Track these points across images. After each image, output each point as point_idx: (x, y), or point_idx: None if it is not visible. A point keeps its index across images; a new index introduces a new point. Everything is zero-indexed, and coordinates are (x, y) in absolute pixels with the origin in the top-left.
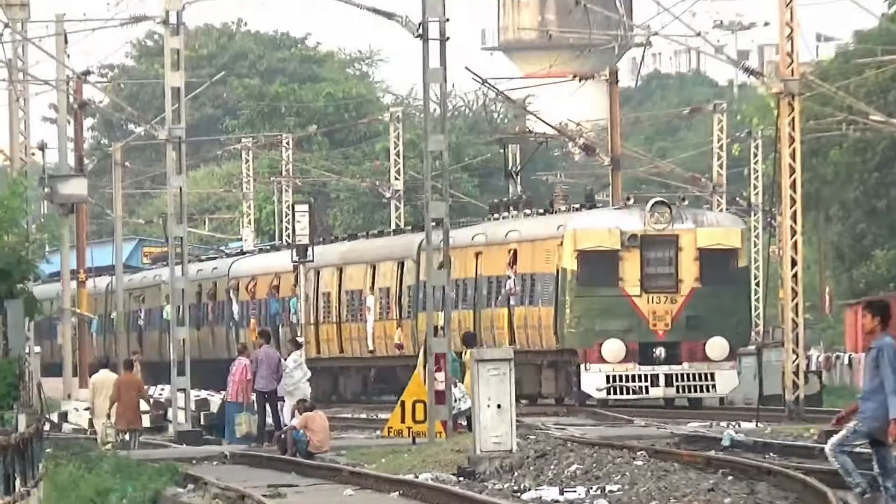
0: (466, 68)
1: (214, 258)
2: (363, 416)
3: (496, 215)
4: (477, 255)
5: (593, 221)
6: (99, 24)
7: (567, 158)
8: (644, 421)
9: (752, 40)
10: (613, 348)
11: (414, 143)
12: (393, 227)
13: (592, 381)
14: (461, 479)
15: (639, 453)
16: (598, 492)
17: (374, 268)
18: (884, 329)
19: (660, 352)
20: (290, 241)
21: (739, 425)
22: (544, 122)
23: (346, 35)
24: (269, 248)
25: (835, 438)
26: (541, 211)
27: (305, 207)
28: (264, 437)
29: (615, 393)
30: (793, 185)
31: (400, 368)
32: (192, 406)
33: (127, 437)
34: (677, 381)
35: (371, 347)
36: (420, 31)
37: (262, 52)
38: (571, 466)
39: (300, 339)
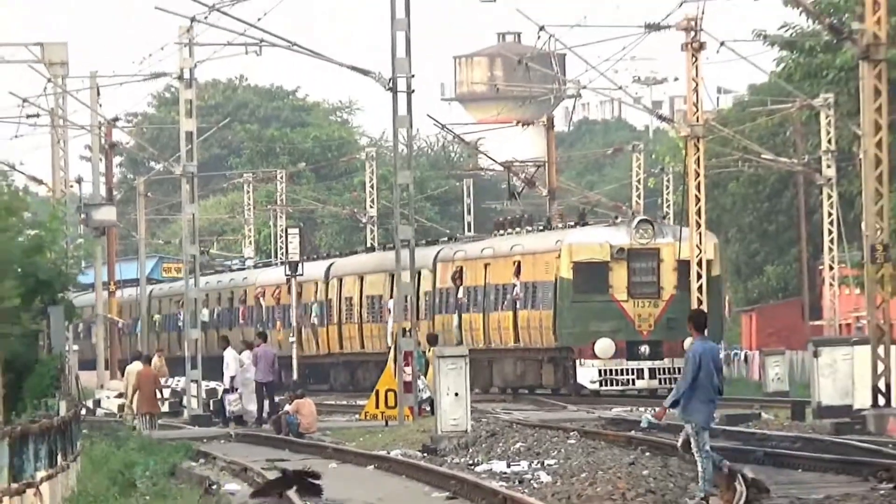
0: (428, 115)
1: (243, 269)
2: (344, 402)
3: (501, 231)
4: (486, 265)
5: (586, 237)
6: (126, 79)
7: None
8: (576, 407)
9: (664, 92)
10: (604, 346)
11: (385, 178)
12: (370, 244)
13: (587, 374)
14: (425, 454)
15: (572, 433)
16: (539, 465)
17: (394, 276)
18: (699, 334)
19: (644, 349)
20: (283, 258)
21: (655, 410)
22: (493, 160)
23: (330, 87)
24: (262, 264)
25: (693, 445)
26: (540, 227)
27: (296, 231)
28: (263, 420)
29: (606, 385)
30: (698, 212)
31: None
32: (204, 394)
33: (147, 419)
34: (659, 374)
35: (390, 343)
36: (390, 85)
37: (260, 102)
38: (516, 444)
39: (251, 341)
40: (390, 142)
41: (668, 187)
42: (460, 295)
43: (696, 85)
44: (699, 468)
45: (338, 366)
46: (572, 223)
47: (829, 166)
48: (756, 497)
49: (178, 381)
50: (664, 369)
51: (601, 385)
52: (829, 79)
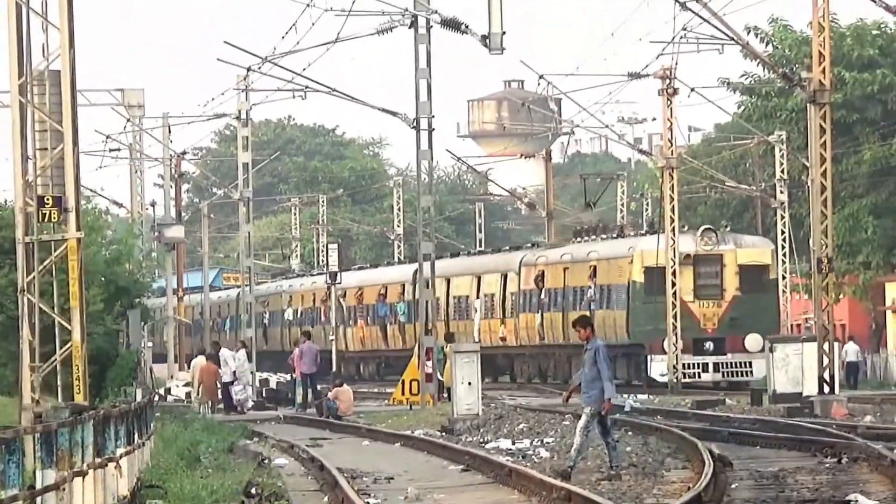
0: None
1: (323, 273)
2: (375, 390)
3: (579, 239)
4: (565, 269)
5: (656, 244)
6: (192, 119)
7: (516, 212)
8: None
9: (644, 130)
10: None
11: (410, 202)
12: (396, 259)
13: (657, 368)
14: (443, 434)
15: (567, 416)
16: (539, 443)
17: (480, 278)
18: (593, 334)
19: (709, 345)
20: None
21: (636, 396)
22: (500, 186)
23: (364, 126)
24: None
25: (581, 422)
26: (613, 236)
27: (335, 246)
28: (307, 405)
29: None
30: (673, 231)
31: (500, 356)
32: (258, 383)
33: (209, 405)
34: (723, 367)
35: (477, 339)
36: (415, 124)
37: (305, 138)
38: (520, 425)
39: (244, 341)
40: (414, 172)
41: (647, 210)
42: (542, 296)
43: (671, 124)
44: (575, 443)
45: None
46: (643, 232)
47: (782, 192)
48: (721, 470)
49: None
50: (727, 363)
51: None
52: (781, 119)
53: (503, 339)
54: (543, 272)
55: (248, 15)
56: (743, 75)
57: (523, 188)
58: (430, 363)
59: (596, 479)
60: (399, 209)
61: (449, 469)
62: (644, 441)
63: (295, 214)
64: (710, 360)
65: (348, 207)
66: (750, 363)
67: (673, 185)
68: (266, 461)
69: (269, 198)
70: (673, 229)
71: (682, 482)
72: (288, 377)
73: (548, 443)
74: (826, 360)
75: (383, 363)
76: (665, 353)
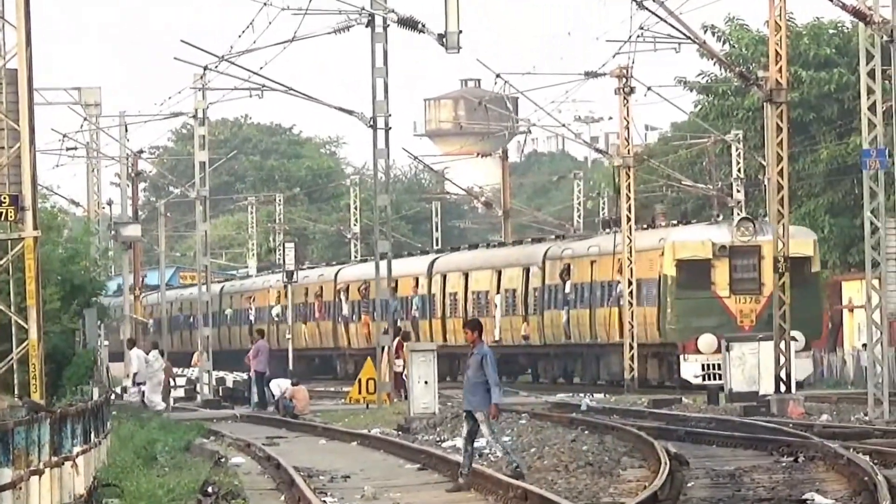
0: (403, 148)
1: (314, 267)
2: (332, 388)
3: (607, 230)
4: (592, 263)
5: (689, 235)
6: (149, 118)
7: (473, 211)
8: (526, 392)
9: (600, 129)
10: (707, 341)
11: (367, 201)
12: (353, 257)
13: (690, 369)
14: (400, 433)
15: (523, 415)
16: (495, 441)
17: (500, 273)
18: (481, 339)
19: None
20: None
21: (593, 395)
22: (457, 185)
23: (320, 125)
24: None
25: (485, 431)
26: (644, 227)
27: (291, 245)
28: (265, 404)
29: (709, 379)
30: (629, 230)
31: (522, 356)
32: (214, 382)
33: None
34: None
35: (497, 337)
36: (371, 123)
37: (261, 137)
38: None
39: (157, 341)
40: (371, 170)
41: (604, 208)
42: (567, 291)
43: (627, 123)
44: (500, 450)
45: (439, 358)
46: (675, 222)
47: (738, 191)
48: (678, 469)
49: (192, 370)
50: None
51: (704, 379)
52: (738, 118)
53: (526, 337)
54: (569, 265)
55: (205, 14)
56: (700, 74)
57: (480, 187)
58: (400, 362)
59: (447, 490)
60: (356, 208)
61: (405, 468)
62: (600, 440)
63: (251, 213)
64: None
65: (305, 206)
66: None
67: (629, 184)
68: (223, 460)
69: (226, 196)
70: (629, 229)
71: (638, 481)
72: (244, 376)
73: (504, 441)
74: (782, 360)
75: None
76: (700, 352)
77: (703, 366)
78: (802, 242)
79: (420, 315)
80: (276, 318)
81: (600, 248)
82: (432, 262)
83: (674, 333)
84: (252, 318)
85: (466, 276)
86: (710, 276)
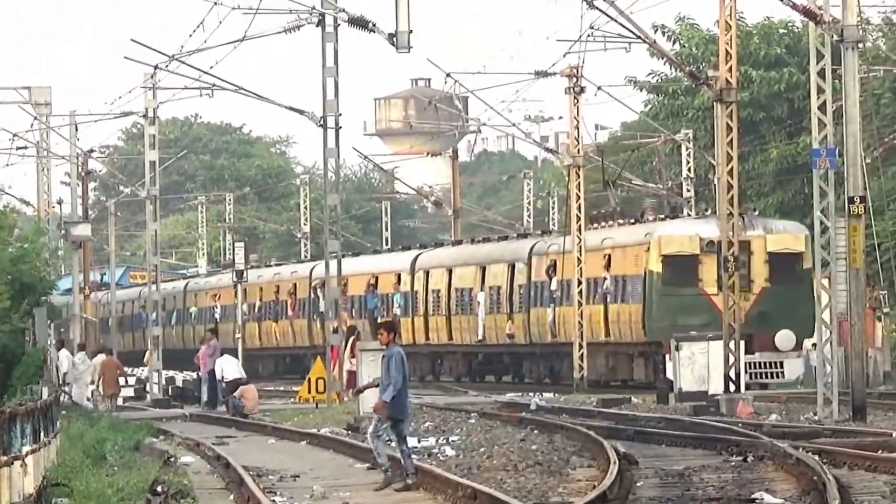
0: (353, 148)
1: (281, 264)
2: (282, 388)
3: (595, 225)
4: (578, 259)
5: (676, 229)
6: (99, 117)
7: (422, 210)
8: (476, 392)
9: (550, 129)
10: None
11: (317, 200)
12: (304, 256)
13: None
14: (349, 432)
15: (472, 414)
16: (444, 441)
17: (484, 269)
18: (394, 341)
19: None
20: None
21: (542, 395)
22: (407, 185)
23: (270, 124)
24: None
25: (370, 427)
26: (632, 221)
27: (241, 244)
28: (216, 403)
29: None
30: (579, 229)
31: (507, 354)
32: (164, 381)
33: (110, 401)
34: (750, 368)
35: (481, 336)
36: (321, 122)
37: (211, 136)
38: (426, 423)
39: (81, 343)
40: (321, 170)
41: (553, 208)
42: (553, 288)
43: (578, 122)
44: (374, 449)
45: (421, 356)
46: (662, 216)
47: (688, 190)
48: (627, 468)
49: (142, 370)
50: (756, 363)
51: None
52: (688, 117)
53: (511, 336)
54: (555, 262)
55: (156, 13)
56: (650, 74)
57: (430, 186)
58: (354, 360)
59: (375, 489)
60: (306, 207)
61: (354, 467)
62: (549, 439)
63: (201, 212)
64: None
65: (255, 205)
66: (781, 363)
67: (579, 184)
68: (172, 459)
69: (176, 196)
70: (579, 228)
71: (587, 480)
72: (194, 375)
73: (454, 441)
74: (732, 359)
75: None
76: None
77: None
78: (793, 238)
79: (402, 313)
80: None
81: (586, 244)
82: (415, 259)
83: (659, 332)
84: (218, 316)
85: (450, 272)
86: (697, 272)
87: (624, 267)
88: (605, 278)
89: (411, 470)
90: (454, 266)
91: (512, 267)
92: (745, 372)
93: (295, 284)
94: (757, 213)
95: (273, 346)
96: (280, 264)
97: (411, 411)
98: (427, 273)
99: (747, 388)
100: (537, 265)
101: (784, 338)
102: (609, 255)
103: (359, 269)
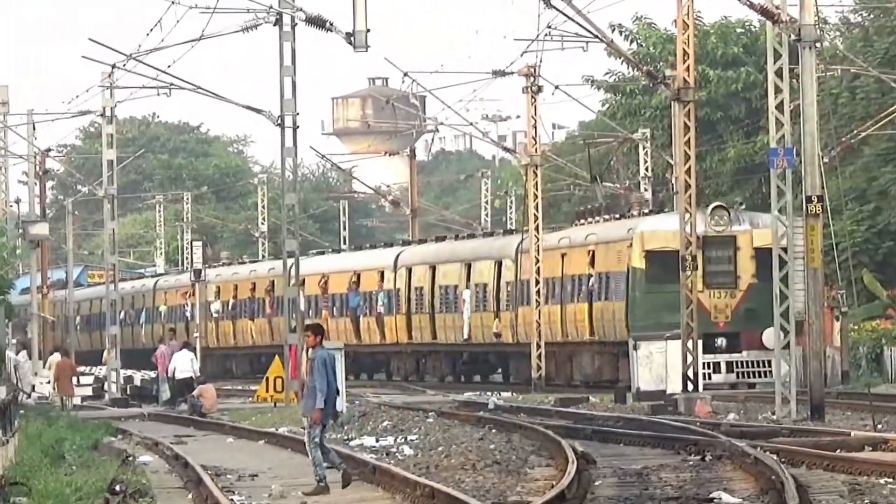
0: (311, 147)
1: (257, 261)
2: (239, 387)
3: (582, 221)
4: (563, 255)
5: (659, 224)
6: (57, 116)
7: (380, 210)
8: (434, 391)
9: (508, 128)
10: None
11: (274, 199)
12: (262, 256)
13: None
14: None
15: (430, 413)
16: (403, 440)
17: (470, 266)
18: (321, 343)
19: (721, 341)
20: (189, 266)
21: (500, 394)
22: (364, 184)
23: (228, 123)
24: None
25: (306, 436)
26: (617, 216)
27: (199, 244)
28: (175, 402)
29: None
30: (537, 229)
31: (493, 354)
32: (122, 380)
33: (65, 399)
34: (737, 367)
35: (466, 335)
36: (279, 121)
37: (169, 135)
38: (384, 423)
39: (25, 342)
40: (279, 169)
41: (511, 207)
42: (540, 286)
43: (535, 122)
44: (312, 459)
45: (404, 355)
46: (646, 211)
47: (646, 190)
48: (585, 467)
49: (100, 369)
50: (742, 363)
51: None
52: (646, 116)
53: (497, 335)
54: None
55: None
56: (607, 73)
57: (387, 186)
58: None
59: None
60: (263, 206)
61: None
62: (507, 438)
63: (159, 212)
64: (723, 358)
65: (213, 205)
66: (769, 362)
67: (537, 183)
68: (131, 458)
69: (134, 195)
70: (537, 227)
71: (545, 479)
72: (153, 374)
73: (412, 440)
74: (690, 358)
75: (352, 359)
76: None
77: None
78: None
79: (385, 311)
80: (214, 315)
81: (570, 240)
82: (398, 256)
83: (642, 330)
84: (189, 314)
85: (434, 269)
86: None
87: (607, 263)
88: (589, 275)
89: (339, 461)
90: (438, 263)
91: (499, 264)
92: (732, 371)
93: (272, 281)
94: (744, 206)
95: (248, 346)
96: (255, 261)
97: (342, 410)
98: (410, 270)
99: (734, 388)
100: (525, 262)
101: (772, 335)
102: (593, 252)
103: (340, 266)
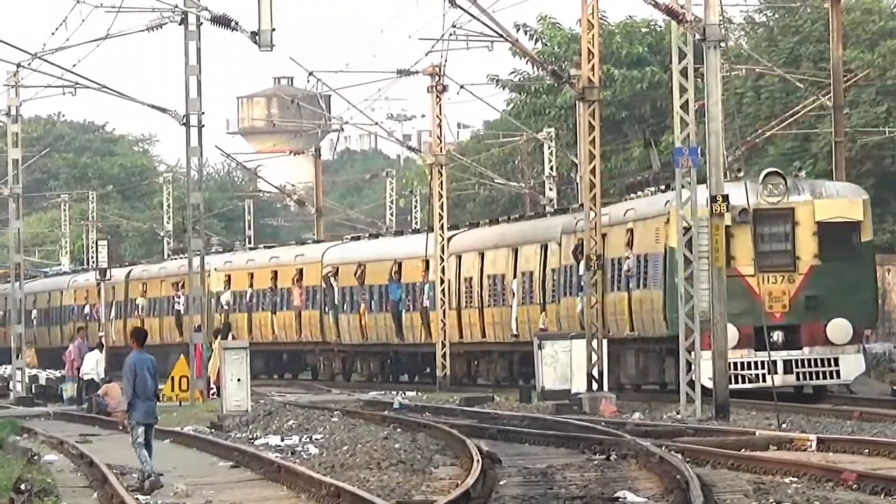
0: (216, 146)
1: (272, 247)
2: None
3: (630, 195)
4: (603, 236)
5: (700, 196)
6: None
7: (286, 209)
8: (339, 390)
9: (413, 127)
10: (731, 334)
11: (179, 198)
12: (167, 255)
13: (705, 369)
14: (213, 430)
15: (335, 412)
16: (308, 439)
17: (517, 252)
18: (141, 347)
19: (777, 336)
20: (95, 265)
21: (405, 394)
22: (270, 183)
23: (133, 122)
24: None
25: (131, 438)
26: (662, 188)
27: (105, 243)
28: (83, 401)
29: (731, 382)
30: (441, 228)
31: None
32: (27, 380)
33: None
34: (797, 367)
35: (515, 331)
36: (184, 120)
37: (75, 134)
38: (289, 422)
39: None
40: (184, 168)
41: (416, 206)
42: (581, 272)
43: (440, 121)
44: (136, 456)
45: (456, 356)
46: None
47: (551, 189)
48: (490, 467)
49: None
50: (803, 361)
51: (732, 382)
52: (550, 116)
53: (544, 331)
54: (582, 241)
55: (18, 10)
56: (512, 72)
57: (293, 185)
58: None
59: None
60: (169, 206)
61: (218, 465)
62: (413, 438)
63: (65, 211)
64: (780, 356)
65: (118, 204)
66: (835, 360)
67: (442, 182)
68: (36, 457)
69: (39, 194)
70: (442, 226)
71: (450, 479)
72: (58, 373)
73: (317, 439)
74: (595, 357)
75: (390, 360)
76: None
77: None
78: (849, 203)
79: (432, 305)
80: (224, 307)
81: (610, 218)
82: (448, 241)
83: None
84: (179, 306)
85: (482, 256)
86: (729, 248)
87: (644, 244)
88: (627, 258)
89: (150, 472)
90: (486, 249)
91: (545, 248)
92: (791, 372)
93: (301, 270)
94: (804, 173)
95: (268, 342)
96: (270, 246)
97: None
98: (460, 258)
99: (799, 390)
100: (566, 246)
101: (838, 328)
102: (632, 230)
103: (377, 254)
